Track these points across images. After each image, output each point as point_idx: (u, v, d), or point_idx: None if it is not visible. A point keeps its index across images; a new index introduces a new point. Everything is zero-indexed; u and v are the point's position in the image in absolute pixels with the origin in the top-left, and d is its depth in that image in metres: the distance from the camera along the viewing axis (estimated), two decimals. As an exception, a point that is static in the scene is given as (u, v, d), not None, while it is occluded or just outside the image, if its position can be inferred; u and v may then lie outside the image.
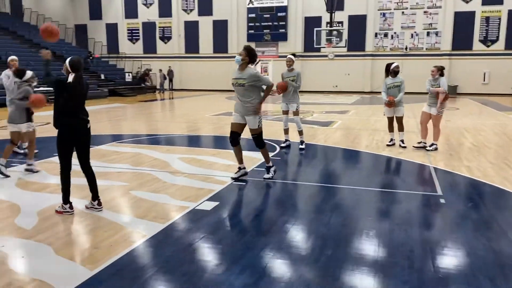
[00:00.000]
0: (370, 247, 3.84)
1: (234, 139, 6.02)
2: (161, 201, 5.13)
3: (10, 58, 7.33)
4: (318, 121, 12.95)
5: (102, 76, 26.06)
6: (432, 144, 8.34)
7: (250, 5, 30.10)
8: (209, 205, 4.97)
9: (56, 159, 7.42)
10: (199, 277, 3.29)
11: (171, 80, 30.03)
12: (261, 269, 3.43)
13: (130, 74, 28.60)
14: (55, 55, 25.99)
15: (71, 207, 4.65)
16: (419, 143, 8.57)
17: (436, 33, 26.69)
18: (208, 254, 3.75)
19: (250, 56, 5.78)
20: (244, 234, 4.21)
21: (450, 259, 3.64)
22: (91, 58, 27.58)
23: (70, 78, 4.37)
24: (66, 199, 4.63)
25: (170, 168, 6.80)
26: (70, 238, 4.03)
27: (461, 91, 26.09)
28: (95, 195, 4.75)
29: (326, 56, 29.17)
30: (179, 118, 14.58)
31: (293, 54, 8.75)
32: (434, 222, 4.66)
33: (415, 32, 27.13)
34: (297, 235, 4.16)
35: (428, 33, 26.89)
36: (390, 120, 8.79)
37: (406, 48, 27.18)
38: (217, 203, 5.05)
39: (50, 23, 5.01)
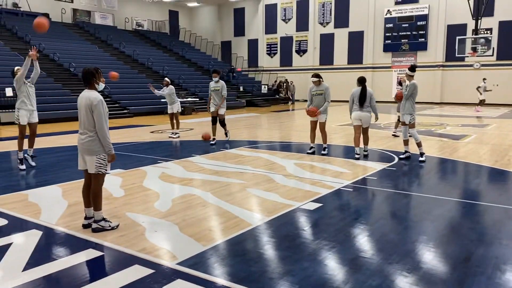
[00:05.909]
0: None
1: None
2: (270, 199, 5.77)
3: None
4: (449, 134, 12.37)
5: (241, 88, 28.27)
6: None
7: (388, 15, 29.54)
8: (312, 206, 5.44)
9: (192, 159, 8.73)
10: (276, 265, 3.81)
11: (305, 92, 31.07)
12: (329, 267, 3.80)
13: (266, 86, 30.42)
14: (203, 69, 29.08)
15: None
16: None
17: None
18: (297, 247, 4.23)
19: None
20: (334, 235, 4.56)
21: None
22: (233, 73, 30.09)
23: None
24: None
25: (285, 172, 7.44)
26: (193, 221, 4.89)
27: None
28: None
29: (471, 65, 27.10)
30: (303, 127, 15.21)
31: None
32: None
33: None
34: (372, 241, 4.38)
35: None
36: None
37: None
38: (321, 204, 5.50)
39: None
